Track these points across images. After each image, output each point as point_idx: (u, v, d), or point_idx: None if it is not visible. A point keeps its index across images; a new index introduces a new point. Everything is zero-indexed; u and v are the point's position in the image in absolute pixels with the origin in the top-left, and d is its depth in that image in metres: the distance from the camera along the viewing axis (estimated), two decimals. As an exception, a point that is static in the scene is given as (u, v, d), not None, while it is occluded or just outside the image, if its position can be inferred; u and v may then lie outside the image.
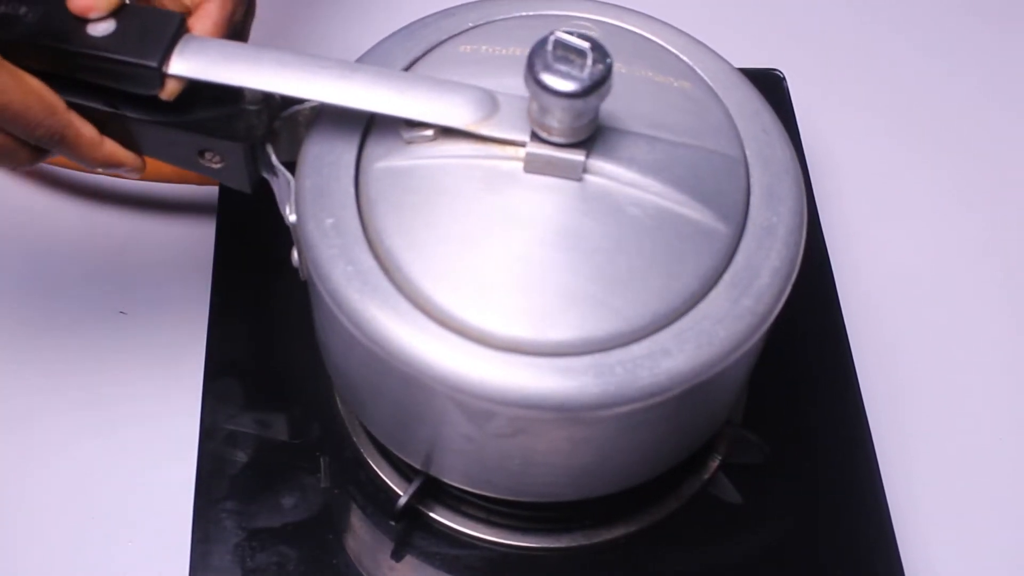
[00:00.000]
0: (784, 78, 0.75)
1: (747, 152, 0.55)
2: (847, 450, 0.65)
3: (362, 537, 0.62)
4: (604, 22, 0.58)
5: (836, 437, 0.65)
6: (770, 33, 0.86)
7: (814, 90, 0.76)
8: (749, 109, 0.56)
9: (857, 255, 0.73)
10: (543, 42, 0.48)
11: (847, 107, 0.84)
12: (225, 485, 0.62)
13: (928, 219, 0.80)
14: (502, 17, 0.58)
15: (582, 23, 0.56)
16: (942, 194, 0.82)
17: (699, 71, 0.57)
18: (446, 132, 0.52)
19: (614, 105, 0.50)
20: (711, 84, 0.57)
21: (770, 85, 0.74)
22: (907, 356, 0.73)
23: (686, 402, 0.52)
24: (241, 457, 0.63)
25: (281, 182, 0.55)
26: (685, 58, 0.57)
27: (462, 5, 0.59)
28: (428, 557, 0.61)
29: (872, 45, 0.89)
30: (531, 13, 0.58)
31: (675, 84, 0.56)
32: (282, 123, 0.56)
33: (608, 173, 0.51)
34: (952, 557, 0.67)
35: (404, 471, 0.62)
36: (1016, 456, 0.71)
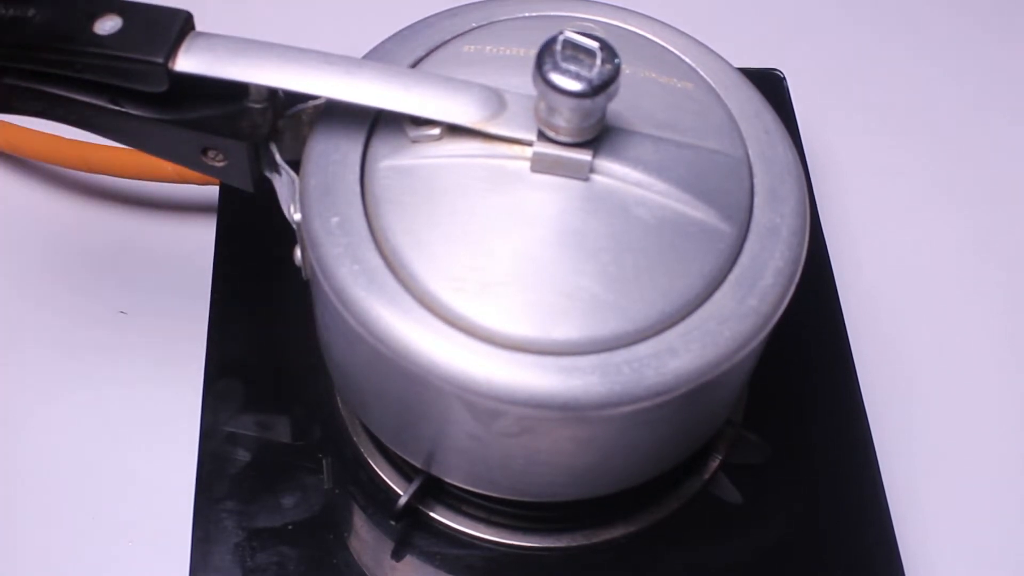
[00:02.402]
0: (784, 78, 0.75)
1: (750, 153, 0.55)
2: (847, 450, 0.65)
3: (362, 537, 0.62)
4: (606, 23, 0.58)
5: (836, 437, 0.65)
6: (770, 33, 0.87)
7: (814, 90, 0.77)
8: (751, 110, 0.57)
9: (857, 254, 0.74)
10: (552, 41, 0.48)
11: (847, 107, 0.84)
12: (226, 485, 0.62)
13: (928, 218, 0.81)
14: (505, 18, 0.58)
15: (585, 24, 0.57)
16: (942, 193, 0.82)
17: (701, 72, 0.57)
18: (452, 131, 0.52)
19: (619, 105, 0.50)
20: (713, 85, 0.57)
21: (770, 85, 0.74)
22: (907, 355, 0.73)
23: (690, 401, 0.52)
24: (242, 457, 0.63)
25: (285, 181, 0.55)
26: (687, 59, 0.58)
27: (465, 5, 0.59)
28: (428, 557, 0.61)
29: (872, 45, 0.89)
30: (533, 14, 0.58)
31: (678, 85, 0.56)
32: (286, 121, 0.56)
33: (614, 173, 0.51)
34: (952, 557, 0.67)
35: (404, 470, 0.62)
36: (1018, 455, 0.71)
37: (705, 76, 0.57)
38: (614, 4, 0.59)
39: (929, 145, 0.84)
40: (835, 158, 0.78)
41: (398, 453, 0.60)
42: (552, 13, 0.58)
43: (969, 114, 0.86)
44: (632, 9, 0.59)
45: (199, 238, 0.73)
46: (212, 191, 0.71)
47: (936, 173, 0.83)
